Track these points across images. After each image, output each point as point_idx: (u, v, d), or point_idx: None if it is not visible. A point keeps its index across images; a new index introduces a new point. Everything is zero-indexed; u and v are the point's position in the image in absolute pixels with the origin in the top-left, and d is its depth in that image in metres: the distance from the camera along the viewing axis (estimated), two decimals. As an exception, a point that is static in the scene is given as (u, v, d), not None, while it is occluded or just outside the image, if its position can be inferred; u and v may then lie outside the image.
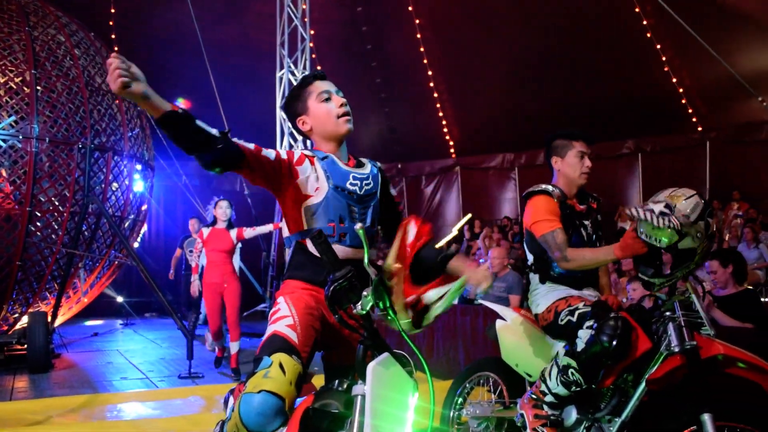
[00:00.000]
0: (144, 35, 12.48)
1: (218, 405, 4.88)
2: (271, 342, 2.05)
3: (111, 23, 12.78)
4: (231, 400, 2.36)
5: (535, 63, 12.68)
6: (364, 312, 1.80)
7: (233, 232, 6.32)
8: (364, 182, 2.31)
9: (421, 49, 14.14)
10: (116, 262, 7.88)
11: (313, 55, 12.00)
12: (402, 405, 1.85)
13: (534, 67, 12.74)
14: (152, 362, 7.01)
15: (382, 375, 1.79)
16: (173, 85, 11.49)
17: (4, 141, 6.52)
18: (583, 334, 2.77)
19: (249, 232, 6.40)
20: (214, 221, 6.34)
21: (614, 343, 2.63)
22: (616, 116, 12.36)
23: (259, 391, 1.88)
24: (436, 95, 14.68)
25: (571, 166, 3.19)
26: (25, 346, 6.48)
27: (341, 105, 2.33)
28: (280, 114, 10.30)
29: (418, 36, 14.06)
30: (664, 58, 12.34)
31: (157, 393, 5.44)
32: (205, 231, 6.34)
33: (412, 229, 2.02)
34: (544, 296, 3.15)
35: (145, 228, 10.61)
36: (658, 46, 12.20)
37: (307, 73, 10.67)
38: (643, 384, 2.71)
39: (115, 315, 11.25)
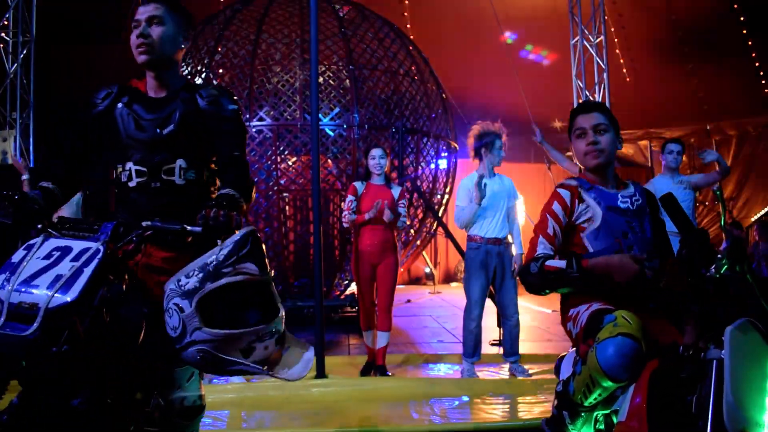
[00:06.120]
0: (437, 21, 13.11)
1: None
2: (600, 312, 2.12)
3: (405, 14, 13.70)
4: (569, 362, 2.43)
5: None
6: (718, 276, 1.76)
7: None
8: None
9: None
10: (426, 235, 8.54)
11: (606, 17, 11.41)
12: (760, 373, 1.77)
13: None
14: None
15: (740, 340, 1.74)
16: (471, 63, 11.89)
17: (332, 131, 7.49)
18: None
19: None
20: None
21: None
22: None
23: (616, 335, 1.92)
24: (750, 42, 12.90)
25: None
26: (356, 309, 7.41)
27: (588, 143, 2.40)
28: (576, 83, 10.06)
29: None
30: None
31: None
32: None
33: None
34: None
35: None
36: None
37: (602, 38, 10.26)
38: None
39: (423, 284, 12.28)
